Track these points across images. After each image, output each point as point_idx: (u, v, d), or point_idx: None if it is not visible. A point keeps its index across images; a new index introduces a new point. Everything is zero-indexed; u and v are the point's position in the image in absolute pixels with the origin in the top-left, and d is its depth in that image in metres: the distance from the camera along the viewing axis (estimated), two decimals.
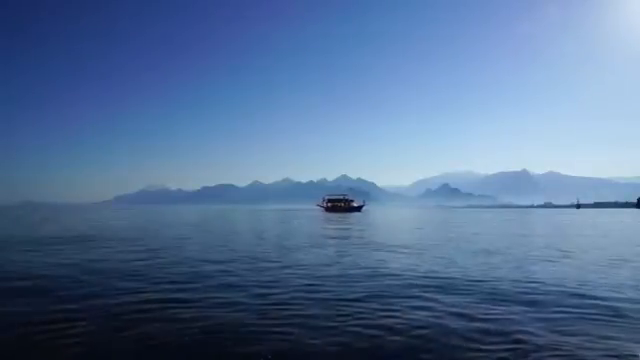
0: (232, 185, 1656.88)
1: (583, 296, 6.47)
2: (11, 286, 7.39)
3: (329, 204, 76.40)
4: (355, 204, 77.15)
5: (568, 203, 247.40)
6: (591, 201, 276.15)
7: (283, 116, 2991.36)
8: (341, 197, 77.85)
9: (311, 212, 70.35)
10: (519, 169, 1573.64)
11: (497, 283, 7.46)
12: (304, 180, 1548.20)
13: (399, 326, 4.89)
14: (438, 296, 6.42)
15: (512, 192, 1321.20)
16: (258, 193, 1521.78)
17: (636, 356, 3.96)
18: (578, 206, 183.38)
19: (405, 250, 12.83)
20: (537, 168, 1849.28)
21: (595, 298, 6.33)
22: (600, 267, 9.53)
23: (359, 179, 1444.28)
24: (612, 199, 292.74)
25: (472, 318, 5.18)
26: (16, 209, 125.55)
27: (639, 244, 15.63)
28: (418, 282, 7.54)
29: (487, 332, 4.60)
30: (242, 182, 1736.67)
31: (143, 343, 4.35)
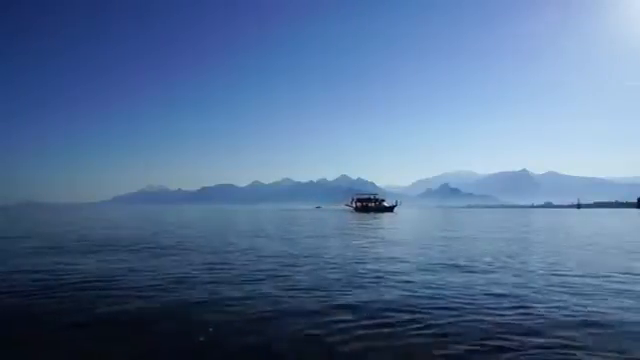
0: (232, 185, 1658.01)
1: None
2: None
3: (358, 204, 72.74)
4: (386, 204, 72.46)
5: (568, 203, 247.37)
6: (591, 201, 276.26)
7: (283, 116, 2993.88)
8: (370, 197, 74.12)
9: (333, 212, 65.27)
10: (519, 169, 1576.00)
11: None
12: (304, 180, 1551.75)
13: None
14: None
15: (512, 192, 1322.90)
16: (258, 193, 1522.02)
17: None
18: (579, 206, 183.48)
19: None
20: (537, 168, 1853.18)
21: None
22: None
23: (359, 179, 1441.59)
24: (612, 199, 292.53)
25: None
26: (16, 209, 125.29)
27: None
28: None
29: None
30: (242, 182, 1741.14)
31: None
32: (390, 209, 70.95)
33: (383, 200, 73.32)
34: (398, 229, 23.41)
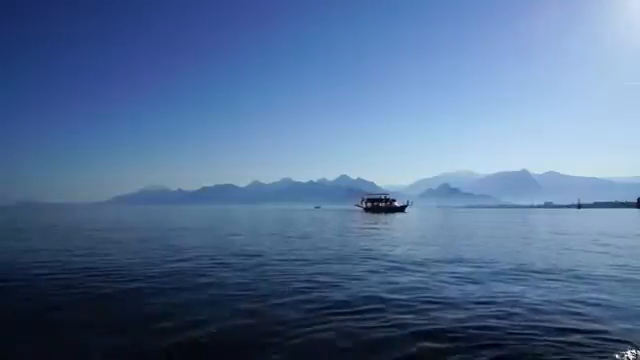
0: (232, 185, 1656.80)
1: None
2: None
3: (369, 204, 72.11)
4: (397, 203, 71.29)
5: (568, 203, 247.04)
6: (591, 201, 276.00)
7: (283, 116, 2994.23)
8: (381, 196, 73.38)
9: (340, 213, 62.36)
10: (519, 169, 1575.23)
11: None
12: (304, 180, 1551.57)
13: None
14: None
15: (512, 192, 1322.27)
16: (258, 193, 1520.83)
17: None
18: (579, 206, 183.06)
19: None
20: (537, 168, 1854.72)
21: None
22: None
23: (359, 179, 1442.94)
24: (612, 199, 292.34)
25: None
26: (15, 209, 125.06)
27: None
28: None
29: None
30: (242, 182, 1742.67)
31: None
32: (401, 209, 70.11)
33: (394, 200, 72.32)
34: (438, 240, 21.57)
